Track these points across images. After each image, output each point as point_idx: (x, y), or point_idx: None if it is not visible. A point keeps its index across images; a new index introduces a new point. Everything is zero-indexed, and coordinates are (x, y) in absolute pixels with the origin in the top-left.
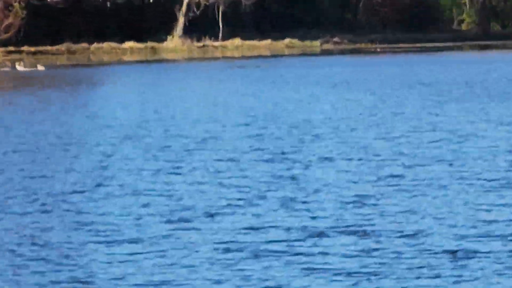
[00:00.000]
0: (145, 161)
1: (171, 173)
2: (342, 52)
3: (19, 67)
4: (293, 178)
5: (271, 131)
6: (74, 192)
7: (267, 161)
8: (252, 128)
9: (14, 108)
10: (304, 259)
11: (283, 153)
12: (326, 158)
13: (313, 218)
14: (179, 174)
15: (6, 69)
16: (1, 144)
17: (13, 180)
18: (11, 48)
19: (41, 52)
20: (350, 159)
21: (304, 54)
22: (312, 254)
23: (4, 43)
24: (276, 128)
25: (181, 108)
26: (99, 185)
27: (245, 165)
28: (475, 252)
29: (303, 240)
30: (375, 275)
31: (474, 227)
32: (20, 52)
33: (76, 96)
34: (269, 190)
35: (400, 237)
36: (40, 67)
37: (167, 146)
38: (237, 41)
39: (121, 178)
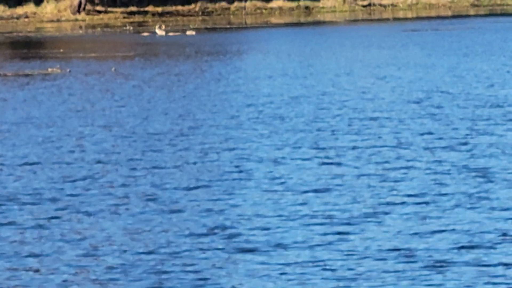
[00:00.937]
0: (292, 149)
1: (324, 164)
2: None
3: (160, 31)
4: (476, 170)
5: (447, 112)
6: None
7: (443, 148)
8: (424, 107)
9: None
10: None
11: (463, 139)
12: None
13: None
14: (333, 163)
15: (145, 34)
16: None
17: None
18: (133, 9)
19: (169, 13)
20: None
21: (493, 14)
22: None
23: (125, 3)
24: (454, 108)
25: (339, 82)
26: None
27: (414, 154)
28: None
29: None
30: None
31: None
32: (145, 13)
33: (224, 66)
34: (444, 184)
35: None
36: (190, 32)
37: (317, 129)
38: None
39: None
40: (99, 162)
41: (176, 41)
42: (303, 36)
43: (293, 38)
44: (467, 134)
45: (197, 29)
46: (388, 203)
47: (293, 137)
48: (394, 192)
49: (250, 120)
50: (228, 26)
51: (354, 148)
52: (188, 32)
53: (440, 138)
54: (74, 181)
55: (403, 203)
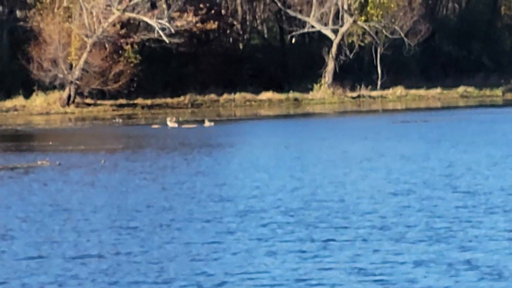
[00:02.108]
0: (271, 242)
1: (302, 258)
2: None
3: (171, 123)
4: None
5: (434, 203)
6: None
7: (427, 240)
8: (411, 199)
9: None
10: None
11: (448, 231)
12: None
13: None
14: (311, 257)
15: (156, 126)
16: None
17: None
18: (122, 101)
19: (159, 106)
20: None
21: (482, 105)
22: None
23: (114, 95)
24: (440, 200)
25: (329, 174)
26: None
27: (396, 247)
28: None
29: None
30: None
31: None
32: (134, 105)
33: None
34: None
35: None
36: (208, 123)
37: (297, 221)
38: (399, 90)
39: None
40: (77, 258)
41: (185, 134)
42: (292, 128)
43: (282, 130)
44: (450, 227)
45: (214, 120)
46: None
47: (271, 232)
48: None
49: (229, 215)
50: (222, 117)
51: (332, 240)
52: (206, 124)
53: (425, 230)
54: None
55: None
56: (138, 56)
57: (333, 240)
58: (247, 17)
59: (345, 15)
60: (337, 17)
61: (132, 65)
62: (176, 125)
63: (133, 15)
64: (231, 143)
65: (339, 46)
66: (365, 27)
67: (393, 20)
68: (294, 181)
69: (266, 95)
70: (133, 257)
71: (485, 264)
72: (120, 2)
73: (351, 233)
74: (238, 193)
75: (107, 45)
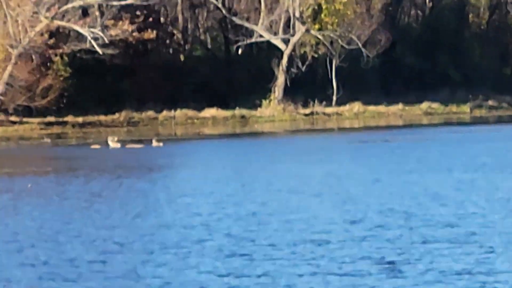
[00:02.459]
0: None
1: None
2: (500, 120)
3: (113, 143)
4: None
5: (392, 233)
6: None
7: (382, 272)
8: (366, 228)
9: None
10: None
11: (406, 263)
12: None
13: None
14: None
15: (96, 146)
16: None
17: None
18: (51, 119)
19: (91, 124)
20: None
21: (448, 123)
22: None
23: (42, 112)
24: (398, 229)
25: (273, 201)
26: None
27: (349, 281)
28: None
29: None
30: None
31: None
32: (64, 123)
33: (141, 184)
34: None
35: None
36: (156, 143)
37: (236, 254)
38: (357, 106)
39: None
40: None
41: (127, 155)
42: (238, 148)
43: (226, 151)
44: (408, 259)
45: (163, 140)
46: None
47: (210, 263)
48: None
49: (163, 245)
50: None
51: (266, 275)
52: (155, 143)
53: (379, 263)
54: None
55: None
56: (68, 68)
57: (267, 274)
58: (189, 26)
59: (297, 23)
60: (288, 25)
61: (61, 78)
62: (118, 145)
63: (62, 23)
64: (171, 165)
65: (290, 58)
66: (319, 36)
67: (349, 29)
68: (235, 209)
69: (209, 112)
70: None
71: None
72: (48, 9)
73: (289, 269)
74: (171, 221)
75: (34, 57)
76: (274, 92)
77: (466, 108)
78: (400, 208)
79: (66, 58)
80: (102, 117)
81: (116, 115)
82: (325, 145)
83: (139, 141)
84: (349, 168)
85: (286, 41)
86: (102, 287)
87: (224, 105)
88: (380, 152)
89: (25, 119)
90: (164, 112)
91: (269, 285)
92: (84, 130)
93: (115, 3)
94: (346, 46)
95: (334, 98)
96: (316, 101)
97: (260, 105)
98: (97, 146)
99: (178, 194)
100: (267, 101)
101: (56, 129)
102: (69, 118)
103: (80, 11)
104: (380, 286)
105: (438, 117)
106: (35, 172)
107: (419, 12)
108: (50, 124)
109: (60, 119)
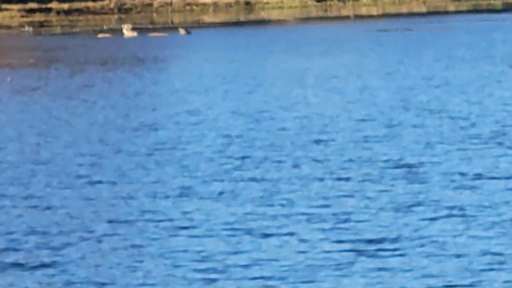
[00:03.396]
0: (199, 181)
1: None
2: None
3: (128, 32)
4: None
5: (405, 132)
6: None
7: (393, 177)
8: (380, 126)
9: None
10: None
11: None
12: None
13: None
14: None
15: (104, 35)
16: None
17: None
18: (32, 5)
19: (78, 11)
20: None
21: (477, 11)
22: None
23: None
24: (415, 129)
25: (283, 95)
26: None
27: (353, 184)
28: None
29: None
30: None
31: None
32: (47, 10)
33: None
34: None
35: None
36: (182, 31)
37: (235, 156)
38: None
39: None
40: None
41: (142, 45)
42: (243, 38)
43: (230, 42)
44: (422, 162)
45: (191, 27)
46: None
47: (201, 166)
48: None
49: (166, 141)
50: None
51: (285, 179)
52: (182, 31)
53: (392, 166)
54: None
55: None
56: None
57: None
58: None
59: None
60: None
61: None
62: (135, 33)
63: None
64: (162, 58)
65: None
66: None
67: None
68: (239, 103)
69: None
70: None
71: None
72: None
73: (292, 170)
74: (170, 119)
75: None
76: None
77: None
78: (414, 103)
79: None
80: (90, 3)
81: (106, 1)
82: (339, 35)
83: (162, 29)
84: (363, 60)
85: None
86: (86, 192)
87: None
88: (401, 42)
89: (3, 6)
90: None
91: (261, 189)
92: (70, 18)
93: None
94: None
95: None
96: None
97: None
98: (106, 35)
99: (172, 90)
100: None
101: (38, 17)
102: (53, 5)
103: None
104: (392, 190)
105: (466, 4)
106: (15, 64)
107: None
108: (32, 11)
109: (43, 6)
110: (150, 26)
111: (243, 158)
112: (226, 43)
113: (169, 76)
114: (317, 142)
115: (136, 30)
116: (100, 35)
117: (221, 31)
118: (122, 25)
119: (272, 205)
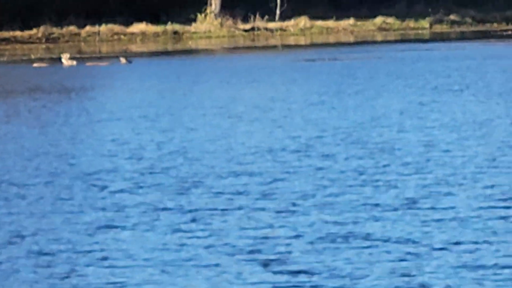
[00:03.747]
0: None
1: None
2: (463, 37)
3: (67, 61)
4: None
5: (327, 164)
6: None
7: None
8: (300, 156)
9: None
10: None
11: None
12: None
13: None
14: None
15: (39, 64)
16: None
17: None
18: None
19: (5, 40)
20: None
21: (405, 40)
22: None
23: None
24: (340, 155)
25: (209, 125)
26: None
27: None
28: None
29: None
30: None
31: None
32: None
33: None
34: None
35: None
36: (123, 60)
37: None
38: (303, 21)
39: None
40: None
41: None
42: (170, 68)
43: (156, 71)
44: (340, 192)
45: (131, 56)
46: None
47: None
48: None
49: (76, 177)
50: (86, 56)
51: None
52: (122, 60)
53: (311, 196)
54: None
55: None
56: None
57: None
58: None
59: None
60: None
61: None
62: (74, 62)
63: None
64: (93, 87)
65: None
66: None
67: None
68: (161, 134)
69: (138, 27)
70: None
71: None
72: None
73: (218, 200)
74: (92, 148)
75: None
76: (211, 5)
77: (425, 23)
78: (337, 134)
79: None
80: (17, 33)
81: (33, 31)
82: (267, 64)
83: (100, 58)
84: (290, 89)
85: None
86: (5, 223)
87: (155, 20)
88: (328, 71)
89: None
90: (87, 27)
91: (180, 218)
92: None
93: None
94: None
95: (278, 12)
96: (257, 15)
97: (194, 20)
98: (42, 64)
99: (96, 119)
100: (203, 15)
101: None
102: None
103: None
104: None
105: (393, 34)
106: None
107: None
108: None
109: None
110: (94, 56)
111: (162, 187)
112: (160, 72)
113: (98, 105)
114: (238, 173)
115: (75, 59)
116: (35, 64)
117: (157, 61)
118: (61, 54)
119: (191, 236)
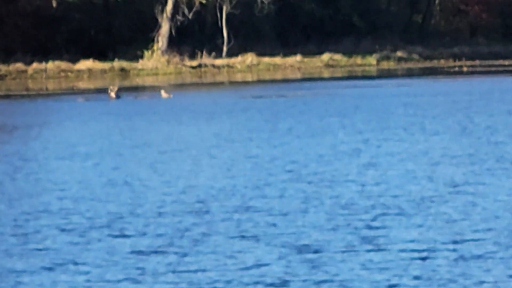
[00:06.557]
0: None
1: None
2: (410, 73)
3: (113, 94)
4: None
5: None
6: None
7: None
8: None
9: None
10: None
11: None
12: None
13: None
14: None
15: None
16: None
17: None
18: None
19: None
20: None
21: (352, 77)
22: None
23: None
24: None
25: (145, 162)
26: None
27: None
28: None
29: None
30: None
31: None
32: None
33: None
34: None
35: None
36: (165, 94)
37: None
38: (250, 57)
39: None
40: None
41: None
42: (114, 105)
43: (102, 108)
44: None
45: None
46: None
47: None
48: None
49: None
50: (23, 93)
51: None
52: (164, 95)
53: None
54: None
55: None
56: None
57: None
58: None
59: None
60: None
61: None
62: (115, 96)
63: None
64: (33, 125)
65: (176, 4)
66: None
67: None
68: (109, 173)
69: (85, 64)
70: None
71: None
72: None
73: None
74: (33, 188)
75: None
76: (158, 42)
77: (372, 59)
78: (285, 175)
79: None
80: None
81: None
82: (213, 101)
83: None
84: (238, 127)
85: None
86: None
87: (102, 57)
88: (275, 108)
89: None
90: (34, 64)
91: (130, 263)
92: None
93: None
94: None
95: (225, 48)
96: (204, 52)
97: (141, 57)
98: (79, 99)
99: (41, 157)
100: (150, 52)
101: None
102: None
103: None
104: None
105: (340, 70)
106: None
107: None
108: None
109: None
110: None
111: (113, 228)
112: (98, 110)
113: (42, 142)
114: (189, 212)
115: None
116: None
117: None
118: (109, 87)
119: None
